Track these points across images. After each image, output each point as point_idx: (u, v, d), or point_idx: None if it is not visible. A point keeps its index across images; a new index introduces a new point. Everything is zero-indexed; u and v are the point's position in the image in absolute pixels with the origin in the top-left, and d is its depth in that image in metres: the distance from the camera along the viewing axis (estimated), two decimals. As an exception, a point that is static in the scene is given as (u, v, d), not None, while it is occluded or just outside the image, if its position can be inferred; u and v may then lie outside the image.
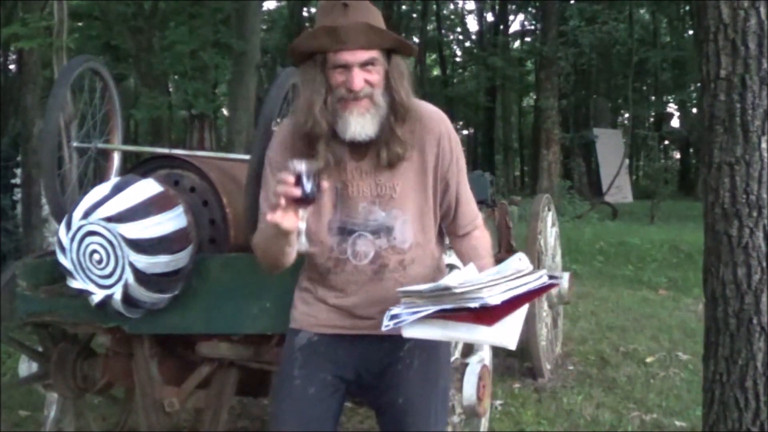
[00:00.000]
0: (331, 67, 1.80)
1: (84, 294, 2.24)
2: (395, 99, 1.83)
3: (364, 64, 1.79)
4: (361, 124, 1.80)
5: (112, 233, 2.16)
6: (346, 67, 1.78)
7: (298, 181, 1.57)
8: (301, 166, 1.57)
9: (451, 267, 2.56)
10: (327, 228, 1.89)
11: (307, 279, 1.99)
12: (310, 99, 1.82)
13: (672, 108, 27.54)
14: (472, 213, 2.00)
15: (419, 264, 1.91)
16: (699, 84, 2.38)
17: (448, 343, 2.04)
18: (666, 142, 26.83)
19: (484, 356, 2.85)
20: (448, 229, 2.02)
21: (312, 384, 1.89)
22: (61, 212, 2.61)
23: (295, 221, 1.65)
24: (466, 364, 2.52)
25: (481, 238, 2.02)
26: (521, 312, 1.67)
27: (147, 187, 2.27)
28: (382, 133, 1.83)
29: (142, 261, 2.16)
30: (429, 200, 1.91)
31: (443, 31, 29.46)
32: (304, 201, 1.59)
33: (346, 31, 1.75)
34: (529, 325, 4.19)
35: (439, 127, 1.92)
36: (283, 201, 1.61)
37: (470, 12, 30.70)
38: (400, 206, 1.87)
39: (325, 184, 1.70)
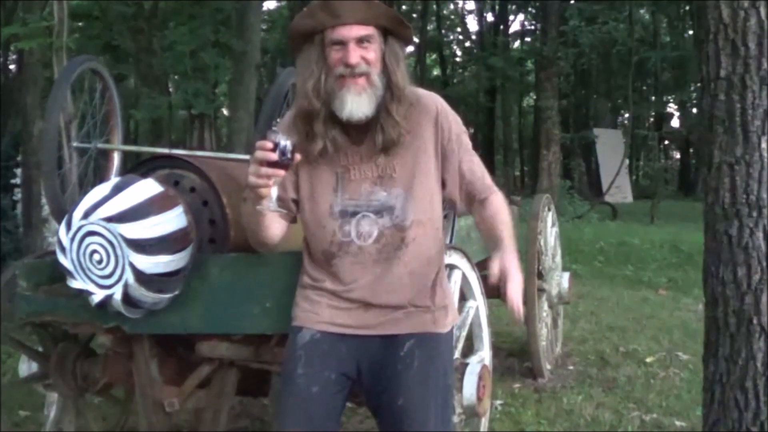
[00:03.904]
0: (329, 45, 1.83)
1: (84, 294, 2.24)
2: (391, 80, 1.86)
3: (360, 41, 1.82)
4: (357, 103, 1.83)
5: (112, 233, 2.16)
6: (343, 44, 1.82)
7: (275, 148, 1.74)
8: (279, 135, 1.75)
9: (451, 267, 2.56)
10: (329, 212, 1.91)
11: (309, 275, 1.99)
12: (305, 77, 1.87)
13: (672, 108, 27.51)
14: (483, 184, 1.97)
15: (420, 243, 1.92)
16: (699, 84, 2.38)
17: (450, 342, 2.04)
18: (666, 142, 26.84)
19: (484, 356, 2.84)
20: (464, 201, 1.99)
21: (316, 383, 1.89)
22: (61, 212, 2.60)
23: (268, 184, 1.76)
24: (466, 364, 2.52)
25: (498, 203, 1.96)
26: None
27: (147, 187, 2.27)
28: (378, 114, 1.86)
29: (142, 261, 2.16)
30: (431, 179, 1.93)
31: (443, 31, 29.43)
32: (279, 165, 1.76)
33: (342, 5, 1.79)
34: (529, 325, 4.19)
35: (435, 106, 1.96)
36: (258, 165, 1.74)
37: (470, 12, 30.72)
38: (401, 185, 1.90)
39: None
